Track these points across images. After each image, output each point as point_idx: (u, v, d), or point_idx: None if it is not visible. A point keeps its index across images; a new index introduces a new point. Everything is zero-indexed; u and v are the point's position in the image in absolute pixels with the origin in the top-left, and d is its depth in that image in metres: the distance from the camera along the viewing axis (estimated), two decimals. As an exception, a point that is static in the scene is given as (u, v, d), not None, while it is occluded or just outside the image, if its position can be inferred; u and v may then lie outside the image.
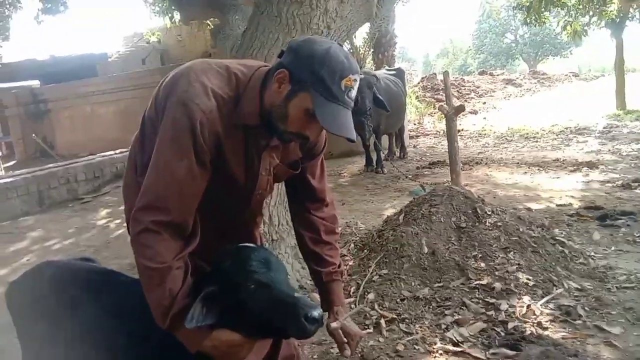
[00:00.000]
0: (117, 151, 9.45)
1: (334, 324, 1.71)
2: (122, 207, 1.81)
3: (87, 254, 4.72)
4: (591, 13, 12.38)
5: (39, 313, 1.75)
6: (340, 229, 4.67)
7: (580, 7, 12.14)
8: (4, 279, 4.60)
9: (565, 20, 13.47)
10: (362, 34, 13.80)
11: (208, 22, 12.96)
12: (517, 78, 21.20)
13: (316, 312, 1.36)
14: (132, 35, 20.21)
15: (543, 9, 11.67)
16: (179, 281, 1.40)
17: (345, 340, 1.70)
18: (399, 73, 8.86)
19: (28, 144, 14.39)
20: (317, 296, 1.94)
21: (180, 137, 1.43)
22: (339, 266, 1.85)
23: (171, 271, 1.39)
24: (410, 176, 7.10)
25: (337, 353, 2.68)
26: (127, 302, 1.61)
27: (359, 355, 2.64)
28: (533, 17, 11.90)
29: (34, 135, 13.94)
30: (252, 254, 1.47)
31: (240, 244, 1.53)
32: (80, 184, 8.18)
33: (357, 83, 1.47)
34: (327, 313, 1.77)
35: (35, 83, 14.73)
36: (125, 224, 1.75)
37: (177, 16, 13.33)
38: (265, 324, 1.39)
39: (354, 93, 1.46)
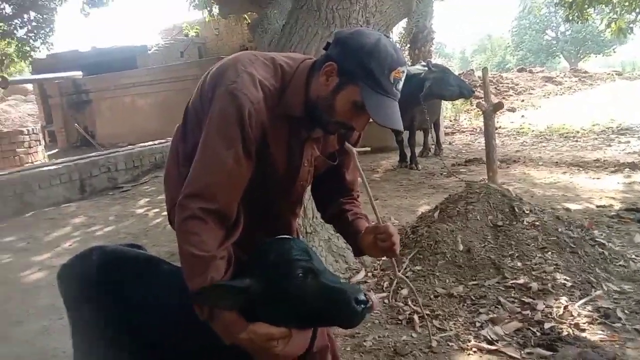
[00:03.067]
0: (156, 142, 9.64)
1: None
2: (161, 197, 1.84)
3: (126, 241, 4.86)
4: (637, 10, 11.97)
5: (86, 296, 1.81)
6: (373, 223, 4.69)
7: (627, 3, 11.75)
8: (47, 262, 4.78)
9: (610, 17, 13.06)
10: (399, 28, 13.72)
11: (245, 16, 13.07)
12: (557, 76, 20.66)
13: (363, 295, 1.38)
14: (172, 28, 20.54)
15: (586, 6, 11.35)
16: (221, 271, 1.40)
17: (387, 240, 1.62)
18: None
19: (70, 133, 14.83)
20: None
21: (228, 127, 1.44)
22: (364, 215, 1.79)
23: (215, 260, 1.40)
24: (445, 173, 7.04)
25: (370, 346, 2.71)
26: (170, 290, 1.64)
27: (392, 349, 2.66)
28: (576, 14, 11.58)
29: (76, 124, 14.34)
30: (292, 244, 1.48)
31: (278, 236, 1.54)
32: (120, 173, 8.40)
33: (405, 75, 1.48)
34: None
35: (77, 74, 15.11)
36: (165, 213, 1.78)
37: (215, 10, 13.49)
38: (314, 312, 1.40)
39: (401, 85, 1.47)
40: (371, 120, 1.49)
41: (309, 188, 1.87)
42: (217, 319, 1.38)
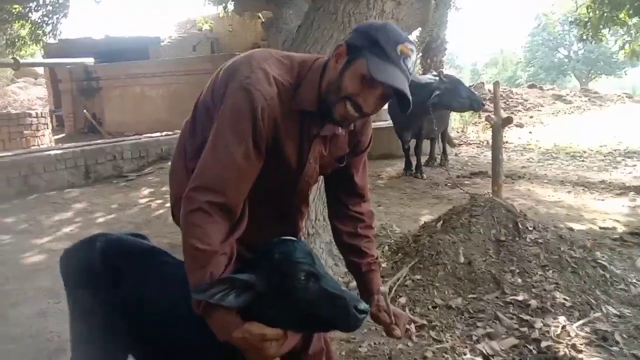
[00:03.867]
0: (163, 133, 9.66)
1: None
2: (164, 188, 1.85)
3: (128, 230, 4.87)
4: (652, 34, 11.95)
5: (86, 282, 1.82)
6: (375, 230, 4.68)
7: (642, 27, 11.73)
8: (47, 246, 4.80)
9: (624, 39, 13.04)
10: (412, 37, 13.72)
11: (260, 14, 13.11)
12: (568, 94, 20.60)
13: (364, 305, 1.38)
14: (186, 21, 20.56)
15: (602, 26, 11.32)
16: (221, 267, 1.41)
17: (392, 320, 1.71)
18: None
19: (78, 119, 14.86)
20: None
21: (240, 122, 1.45)
22: (377, 257, 1.87)
23: (216, 255, 1.40)
24: (449, 184, 7.03)
25: (365, 352, 2.71)
26: (169, 283, 1.64)
27: (387, 357, 2.65)
28: (590, 34, 11.56)
29: (84, 110, 14.37)
30: (296, 246, 1.48)
31: (282, 237, 1.53)
32: (126, 161, 8.40)
33: (414, 55, 1.49)
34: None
35: (89, 60, 15.15)
36: (168, 205, 1.78)
37: (230, 6, 13.52)
38: (313, 316, 1.40)
39: (409, 62, 1.48)
40: (376, 126, 1.50)
41: (314, 189, 1.88)
42: (213, 314, 1.38)
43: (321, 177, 1.83)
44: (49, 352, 2.87)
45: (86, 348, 1.91)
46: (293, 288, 1.39)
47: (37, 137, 11.08)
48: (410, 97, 1.48)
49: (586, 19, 11.33)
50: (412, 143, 7.95)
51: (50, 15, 16.18)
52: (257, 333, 1.37)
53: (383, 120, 9.79)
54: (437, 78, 7.42)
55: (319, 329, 1.65)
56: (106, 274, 1.76)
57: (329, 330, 1.72)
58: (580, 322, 2.86)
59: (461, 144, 11.75)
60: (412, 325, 2.84)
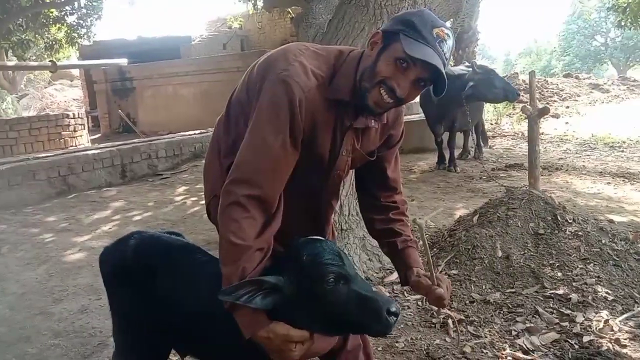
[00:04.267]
0: (197, 131, 9.77)
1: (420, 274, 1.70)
2: (199, 186, 1.86)
3: (164, 227, 4.95)
4: (695, 18, 11.50)
5: (123, 278, 1.86)
6: (410, 224, 4.63)
7: (684, 10, 11.30)
8: (87, 244, 4.91)
9: (665, 24, 12.58)
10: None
11: (289, 10, 13.14)
12: (605, 83, 19.95)
13: (395, 307, 1.36)
14: (216, 20, 20.80)
15: (641, 11, 10.97)
16: (254, 262, 1.41)
17: (434, 282, 1.64)
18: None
19: (113, 119, 15.20)
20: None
21: (278, 114, 1.46)
22: (412, 238, 1.83)
23: (250, 251, 1.40)
24: (484, 177, 6.91)
25: (402, 347, 2.69)
26: (201, 280, 1.66)
27: (425, 352, 2.63)
28: (629, 20, 11.22)
29: (119, 110, 14.67)
30: (324, 246, 1.45)
31: (311, 237, 1.51)
32: (161, 160, 8.55)
33: (450, 40, 1.47)
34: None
35: (123, 61, 15.45)
36: (203, 202, 1.79)
37: (260, 3, 13.61)
38: (343, 319, 1.38)
39: (445, 47, 1.46)
40: (408, 119, 1.48)
41: (347, 184, 1.87)
42: (240, 312, 1.38)
43: (351, 171, 1.82)
44: (92, 346, 2.94)
45: (128, 343, 1.95)
46: (322, 291, 1.37)
47: (74, 137, 11.35)
48: (446, 78, 1.47)
49: (625, 5, 11.00)
50: (445, 136, 7.84)
51: (85, 18, 16.65)
52: (281, 334, 1.36)
53: (415, 113, 9.69)
54: (470, 69, 7.30)
55: (349, 332, 1.62)
56: (139, 270, 1.79)
57: (359, 333, 1.70)
58: (624, 316, 2.79)
59: (495, 136, 11.52)
60: (450, 321, 2.85)
